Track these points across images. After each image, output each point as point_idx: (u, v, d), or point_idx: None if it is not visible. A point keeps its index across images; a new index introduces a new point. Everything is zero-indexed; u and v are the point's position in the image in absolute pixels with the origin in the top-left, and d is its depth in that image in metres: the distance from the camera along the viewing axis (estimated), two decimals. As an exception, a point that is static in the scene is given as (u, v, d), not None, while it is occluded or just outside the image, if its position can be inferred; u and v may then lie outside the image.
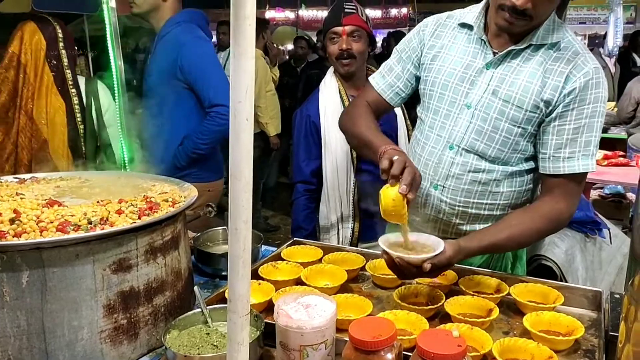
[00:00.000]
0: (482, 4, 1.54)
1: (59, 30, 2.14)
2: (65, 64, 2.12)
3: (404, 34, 3.02)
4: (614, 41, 6.64)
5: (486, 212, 1.57)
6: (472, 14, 1.55)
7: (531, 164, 1.55)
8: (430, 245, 1.31)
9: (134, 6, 2.33)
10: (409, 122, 2.29)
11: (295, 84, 5.87)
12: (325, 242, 2.20)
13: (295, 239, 1.77)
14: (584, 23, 12.45)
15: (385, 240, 1.30)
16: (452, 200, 1.57)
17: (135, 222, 1.14)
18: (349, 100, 2.17)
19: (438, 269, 1.27)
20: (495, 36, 1.49)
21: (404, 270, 1.26)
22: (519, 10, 1.35)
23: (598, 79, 1.41)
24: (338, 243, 2.22)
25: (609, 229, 2.91)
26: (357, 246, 2.20)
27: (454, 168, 1.55)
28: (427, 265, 1.24)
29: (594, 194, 4.30)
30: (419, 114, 1.67)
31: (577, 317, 1.25)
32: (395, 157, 1.28)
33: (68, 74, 2.11)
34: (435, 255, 1.25)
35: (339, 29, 2.13)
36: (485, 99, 1.49)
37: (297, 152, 2.29)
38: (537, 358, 1.12)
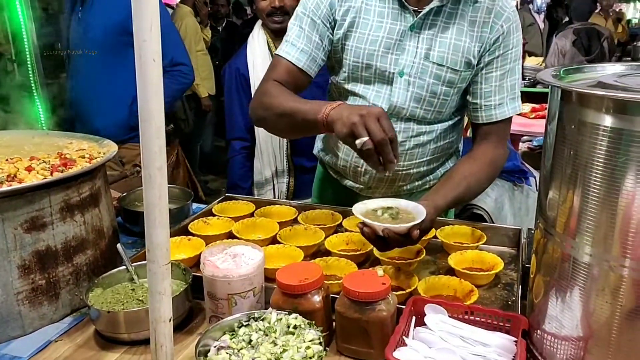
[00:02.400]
0: None
1: None
2: None
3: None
4: (542, -3, 6.83)
5: (425, 168, 1.58)
6: None
7: (461, 114, 1.57)
8: (406, 209, 1.20)
9: None
10: None
11: (223, 43, 5.68)
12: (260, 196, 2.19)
13: (227, 194, 1.74)
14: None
15: (360, 211, 1.18)
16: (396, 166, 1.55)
17: (46, 178, 1.07)
18: None
19: (422, 233, 1.17)
20: None
21: (391, 241, 1.13)
22: None
23: (517, 22, 1.44)
24: (274, 196, 2.21)
25: (535, 178, 3.06)
26: (293, 198, 2.20)
27: (397, 137, 1.51)
28: (416, 232, 1.13)
29: (522, 146, 4.49)
30: (339, 83, 1.54)
31: (499, 254, 1.31)
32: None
33: None
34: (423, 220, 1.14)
35: None
36: (417, 64, 1.43)
37: (229, 107, 2.23)
38: (459, 293, 1.17)
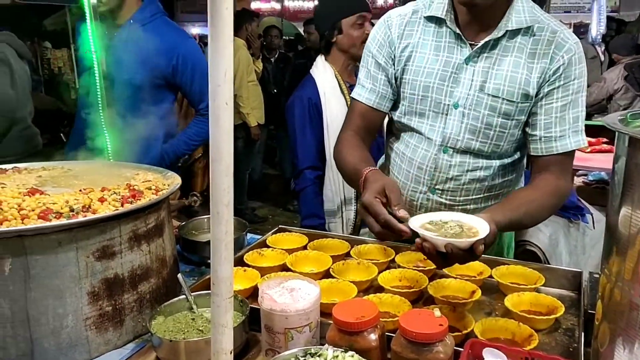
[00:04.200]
0: None
1: None
2: None
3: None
4: (597, 29, 6.69)
5: (482, 205, 1.56)
6: (437, 5, 1.47)
7: (522, 152, 1.56)
8: (468, 224, 1.15)
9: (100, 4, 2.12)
10: None
11: (276, 74, 5.86)
12: (333, 227, 2.23)
13: (280, 226, 1.77)
14: (569, 12, 12.51)
15: (418, 225, 1.13)
16: (451, 201, 1.55)
17: (118, 210, 1.14)
18: (345, 84, 2.23)
19: (486, 247, 1.12)
20: (467, 25, 1.44)
21: (453, 257, 1.08)
22: None
23: (580, 54, 1.42)
24: (342, 226, 2.24)
25: (592, 214, 2.96)
26: (359, 230, 2.22)
27: (452, 170, 1.52)
28: (481, 247, 1.08)
29: (578, 180, 4.34)
30: (397, 118, 1.58)
31: (558, 297, 1.27)
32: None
33: None
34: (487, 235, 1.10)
35: (367, 14, 2.19)
36: (472, 96, 1.44)
37: (301, 137, 2.26)
38: (518, 337, 1.14)
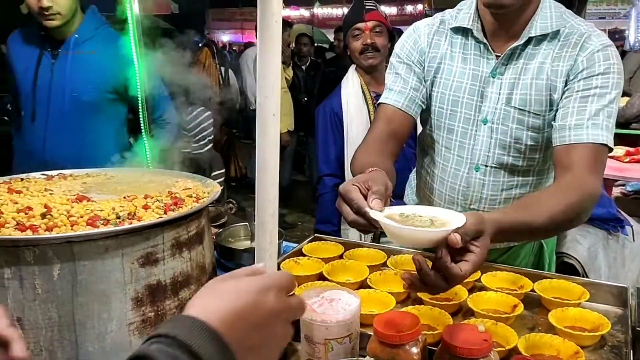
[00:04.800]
0: (472, 3, 1.45)
1: None
2: None
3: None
4: (635, 36, 6.52)
5: None
6: (463, 15, 1.44)
7: None
8: (442, 219, 0.97)
9: (55, 18, 2.08)
10: None
11: (307, 81, 5.91)
12: (345, 234, 2.22)
13: (315, 235, 1.77)
14: (604, 18, 12.27)
15: (384, 215, 0.96)
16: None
17: (161, 217, 1.16)
18: (370, 95, 2.24)
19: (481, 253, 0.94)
20: (494, 35, 1.41)
21: (428, 275, 0.92)
22: None
23: (606, 52, 1.33)
24: (361, 235, 2.24)
25: (631, 226, 2.88)
26: (379, 239, 2.22)
27: (486, 189, 1.48)
28: (457, 238, 0.89)
29: (616, 191, 4.24)
30: (426, 133, 1.55)
31: (603, 313, 1.24)
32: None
33: None
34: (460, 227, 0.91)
35: (361, 24, 2.21)
36: (499, 110, 1.40)
37: (323, 146, 2.34)
38: (563, 353, 1.11)
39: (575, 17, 1.40)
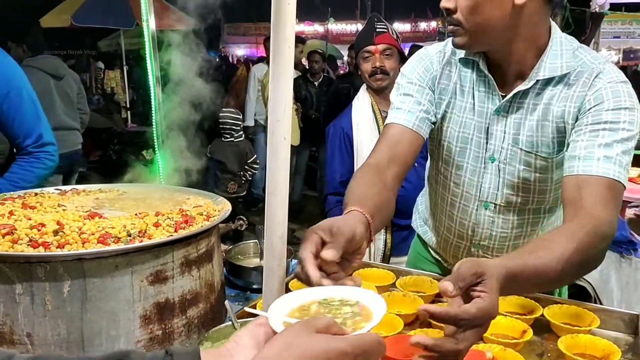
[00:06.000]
0: None
1: None
2: None
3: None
4: (650, 56, 6.49)
5: None
6: None
7: None
8: (367, 307, 0.77)
9: None
10: None
11: (319, 97, 5.96)
12: None
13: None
14: (618, 37, 12.22)
15: (281, 312, 0.75)
16: (498, 257, 1.44)
17: (172, 235, 1.17)
18: (381, 114, 2.26)
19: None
20: (499, 70, 1.34)
21: None
22: (448, 15, 1.25)
23: (615, 87, 1.25)
24: (370, 255, 2.23)
25: (645, 249, 2.84)
26: (389, 260, 2.23)
27: (496, 227, 1.46)
28: (446, 285, 0.83)
29: (629, 212, 4.18)
30: (435, 166, 1.51)
31: (613, 340, 1.22)
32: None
33: None
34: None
35: (371, 47, 2.23)
36: (506, 150, 1.37)
37: (330, 164, 2.37)
38: (572, 382, 1.10)
39: (589, 53, 1.32)
